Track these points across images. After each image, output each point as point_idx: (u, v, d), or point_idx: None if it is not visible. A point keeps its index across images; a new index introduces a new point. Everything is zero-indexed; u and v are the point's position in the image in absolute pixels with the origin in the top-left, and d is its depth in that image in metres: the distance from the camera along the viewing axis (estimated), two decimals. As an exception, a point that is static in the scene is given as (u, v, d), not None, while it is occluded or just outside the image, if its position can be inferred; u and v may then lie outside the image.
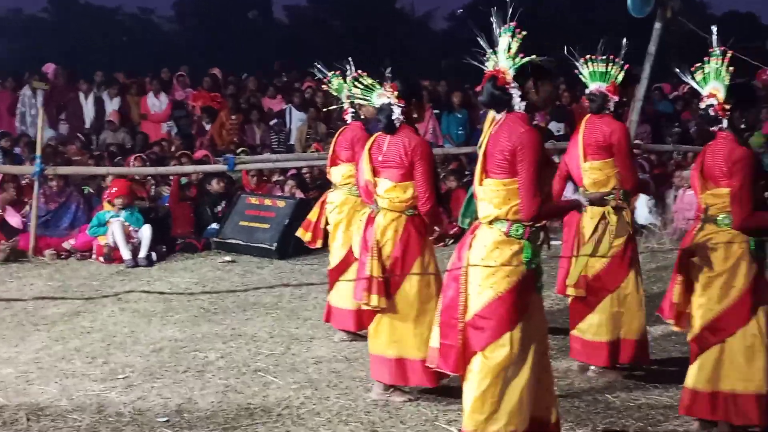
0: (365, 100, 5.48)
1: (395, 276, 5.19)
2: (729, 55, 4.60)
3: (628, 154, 5.63)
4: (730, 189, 4.61)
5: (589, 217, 5.66)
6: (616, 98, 5.69)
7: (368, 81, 5.50)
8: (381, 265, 5.21)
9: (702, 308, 4.71)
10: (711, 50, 4.63)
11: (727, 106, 4.62)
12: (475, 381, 4.08)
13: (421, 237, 5.23)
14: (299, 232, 7.17)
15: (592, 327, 5.67)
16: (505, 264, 4.03)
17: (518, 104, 4.06)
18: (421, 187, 5.14)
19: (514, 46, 3.99)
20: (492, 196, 4.08)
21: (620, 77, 5.67)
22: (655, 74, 11.22)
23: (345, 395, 5.47)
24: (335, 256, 6.65)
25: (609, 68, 5.68)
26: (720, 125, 4.68)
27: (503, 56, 4.03)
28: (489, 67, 4.09)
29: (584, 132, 5.72)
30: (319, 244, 7.00)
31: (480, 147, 4.17)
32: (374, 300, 5.18)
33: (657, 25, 10.50)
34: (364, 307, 5.36)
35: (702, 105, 4.73)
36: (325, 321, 6.76)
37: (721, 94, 4.63)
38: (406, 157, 5.13)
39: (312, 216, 7.03)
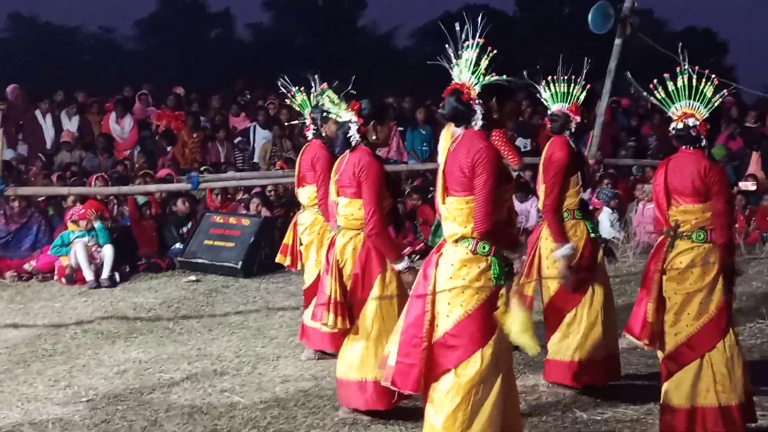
0: (335, 113, 5.45)
1: (357, 297, 5.14)
2: (700, 73, 4.64)
3: (555, 175, 5.54)
4: (711, 206, 4.63)
5: (545, 237, 5.67)
6: (578, 119, 5.72)
7: (333, 96, 5.48)
8: (341, 286, 5.17)
9: (678, 326, 4.72)
10: (679, 68, 4.67)
11: (707, 126, 4.68)
12: (445, 400, 4.06)
13: (380, 254, 5.17)
14: (278, 258, 7.11)
15: (553, 345, 5.70)
16: (473, 281, 4.03)
17: (479, 121, 4.07)
18: (366, 206, 5.05)
19: (483, 63, 4.01)
20: (455, 214, 4.08)
21: (582, 97, 5.71)
22: (616, 89, 11.38)
23: (313, 414, 5.44)
24: (309, 276, 6.63)
25: (571, 88, 5.72)
26: (698, 144, 4.72)
27: (466, 70, 4.05)
28: (455, 78, 4.10)
29: (544, 153, 5.74)
30: (299, 266, 6.95)
31: (440, 165, 4.17)
32: (331, 320, 5.11)
33: (617, 41, 10.64)
34: (324, 329, 5.32)
35: (678, 124, 4.73)
36: (299, 340, 6.71)
37: (701, 114, 4.68)
38: (355, 177, 5.11)
39: (287, 239, 6.99)
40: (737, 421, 4.70)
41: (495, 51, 4.02)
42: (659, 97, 4.76)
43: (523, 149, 13.95)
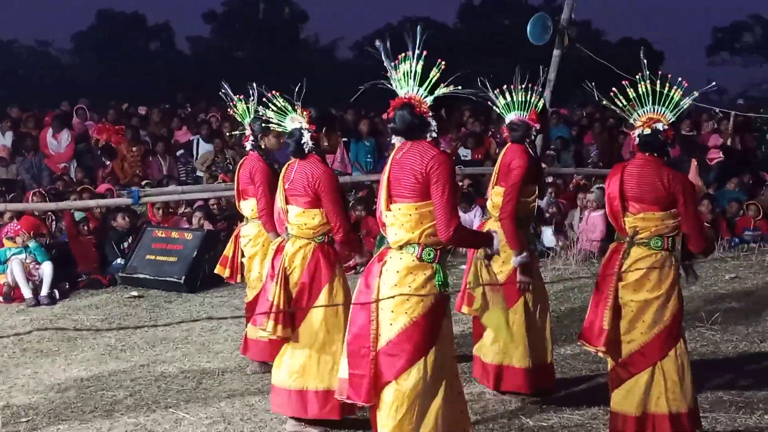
0: (278, 124, 5.43)
1: (302, 304, 5.12)
2: (664, 78, 4.68)
3: (515, 183, 5.58)
4: (681, 214, 4.66)
5: None
6: (537, 126, 5.76)
7: (281, 103, 5.45)
8: (287, 293, 5.15)
9: (633, 333, 4.74)
10: (640, 75, 4.69)
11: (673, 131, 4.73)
12: (390, 410, 4.05)
13: (329, 264, 5.18)
14: (218, 269, 7.03)
15: (484, 347, 5.73)
16: (418, 289, 4.04)
17: (430, 135, 4.07)
18: (332, 218, 5.10)
19: (434, 75, 4.02)
20: (403, 220, 4.08)
21: (540, 105, 5.76)
22: (555, 99, 11.55)
23: (259, 428, 5.38)
24: (252, 290, 6.58)
25: (529, 97, 5.77)
26: (664, 149, 4.76)
27: (412, 82, 4.05)
28: (400, 93, 4.11)
29: (501, 158, 5.80)
30: (239, 279, 6.89)
31: (384, 174, 4.17)
32: (270, 327, 5.09)
33: (556, 52, 10.81)
34: (261, 335, 5.29)
35: (645, 130, 4.71)
36: (242, 353, 6.66)
37: (667, 119, 4.71)
38: (310, 187, 5.11)
39: (227, 251, 6.91)
40: (687, 428, 4.75)
41: (444, 64, 4.03)
42: (621, 105, 4.76)
43: (462, 158, 14.08)
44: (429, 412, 4.05)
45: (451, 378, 4.18)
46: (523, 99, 5.74)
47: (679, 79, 4.73)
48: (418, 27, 4.00)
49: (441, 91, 4.04)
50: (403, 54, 4.04)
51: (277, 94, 5.47)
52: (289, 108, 5.35)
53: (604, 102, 4.83)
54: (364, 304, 4.13)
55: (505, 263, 5.63)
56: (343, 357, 4.24)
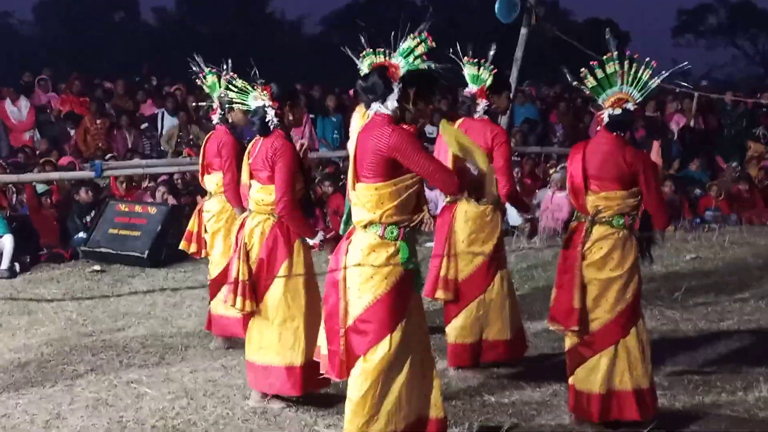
0: (241, 103, 5.39)
1: (261, 280, 5.12)
2: (631, 58, 4.69)
3: (508, 159, 5.66)
4: (643, 192, 4.70)
5: (463, 221, 5.74)
6: (484, 101, 5.77)
7: (241, 83, 5.42)
8: (248, 268, 5.14)
9: (597, 312, 4.77)
10: (608, 55, 4.68)
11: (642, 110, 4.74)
12: (356, 384, 4.08)
13: (287, 241, 5.15)
14: (182, 245, 6.94)
15: (455, 329, 5.77)
16: (381, 266, 4.04)
17: (391, 102, 4.05)
18: (277, 189, 5.04)
19: (418, 50, 4.04)
20: (365, 200, 4.08)
21: (489, 82, 5.77)
22: (522, 78, 11.58)
23: (222, 404, 5.37)
24: (215, 266, 6.53)
25: (479, 72, 5.78)
26: (629, 129, 4.78)
27: (401, 54, 4.06)
28: (364, 67, 4.11)
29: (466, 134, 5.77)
30: (204, 254, 6.83)
31: (351, 150, 4.17)
32: (239, 303, 5.09)
33: (523, 31, 10.81)
34: (232, 312, 5.29)
35: (615, 110, 4.72)
36: (206, 329, 6.63)
37: (634, 99, 4.73)
38: (269, 161, 5.09)
39: (192, 226, 6.84)
40: (650, 404, 4.83)
41: (434, 44, 4.07)
42: (590, 85, 4.76)
43: (428, 135, 14.07)
44: (392, 388, 4.08)
45: (423, 353, 4.21)
46: (476, 73, 5.75)
47: (647, 59, 4.75)
48: (430, 10, 4.05)
49: (416, 64, 4.05)
50: (412, 35, 4.07)
51: (235, 75, 5.47)
52: (250, 87, 5.32)
53: (575, 83, 4.83)
54: (334, 281, 4.16)
55: (485, 243, 5.68)
56: (321, 333, 4.26)
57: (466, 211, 5.75)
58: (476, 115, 5.79)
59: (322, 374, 4.28)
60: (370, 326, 4.06)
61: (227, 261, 6.23)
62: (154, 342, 6.74)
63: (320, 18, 34.94)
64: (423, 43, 4.06)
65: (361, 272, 4.06)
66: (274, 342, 5.14)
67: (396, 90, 4.06)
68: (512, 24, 10.74)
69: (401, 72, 4.07)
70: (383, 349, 4.05)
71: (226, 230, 6.44)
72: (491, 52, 5.81)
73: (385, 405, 4.08)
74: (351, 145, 4.17)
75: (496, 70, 5.78)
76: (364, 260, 4.06)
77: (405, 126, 4.05)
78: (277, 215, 5.11)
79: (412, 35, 4.07)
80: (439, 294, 5.80)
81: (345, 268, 4.12)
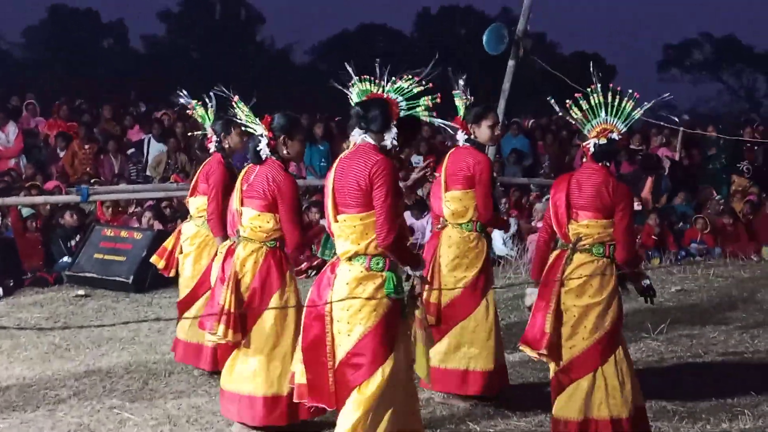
0: (248, 126, 5.38)
1: (252, 310, 5.09)
2: (615, 90, 4.77)
3: (488, 187, 5.71)
4: (616, 223, 4.75)
5: (447, 246, 5.76)
6: (462, 132, 5.80)
7: (245, 109, 5.43)
8: (237, 298, 5.10)
9: (574, 339, 4.79)
10: (591, 87, 4.77)
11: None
12: (348, 414, 4.06)
13: (280, 270, 5.15)
14: (153, 259, 6.97)
15: (439, 354, 5.73)
16: (370, 299, 4.05)
17: (389, 141, 4.10)
18: (286, 225, 5.07)
19: (424, 103, 4.10)
20: (348, 232, 4.08)
21: (462, 112, 5.82)
22: (510, 109, 11.66)
23: (205, 430, 5.34)
24: (184, 288, 6.54)
25: (460, 103, 5.83)
26: (615, 159, 4.83)
27: (397, 92, 4.11)
28: (354, 95, 4.13)
29: (447, 163, 5.83)
30: (173, 273, 6.83)
31: (329, 180, 4.15)
32: (221, 331, 5.04)
33: (510, 63, 10.91)
34: (210, 339, 5.24)
35: (601, 140, 4.78)
36: (171, 350, 6.60)
37: (619, 129, 4.80)
38: (269, 191, 5.09)
39: (168, 243, 6.86)
40: None
41: (439, 98, 4.12)
42: (576, 116, 4.83)
43: (415, 165, 14.13)
44: (384, 416, 4.07)
45: (407, 380, 4.21)
46: (457, 104, 5.81)
47: (630, 90, 4.82)
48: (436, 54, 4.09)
49: (418, 111, 4.11)
50: (410, 77, 4.11)
51: (237, 99, 5.48)
52: (251, 115, 5.33)
53: (560, 113, 4.89)
54: (319, 314, 4.15)
55: (468, 269, 5.68)
56: (297, 363, 4.24)
57: (450, 236, 5.78)
58: (459, 144, 5.85)
59: (308, 404, 4.25)
60: (363, 359, 4.06)
61: (194, 285, 6.26)
62: (137, 368, 6.69)
63: (309, 47, 35.17)
64: (430, 96, 4.11)
65: (350, 305, 4.06)
66: (261, 372, 5.10)
67: (394, 130, 4.10)
68: (500, 56, 10.85)
69: (401, 113, 4.11)
70: (376, 379, 4.04)
71: (196, 254, 6.48)
72: (461, 81, 5.84)
73: None
74: (329, 177, 4.16)
75: (468, 101, 5.83)
76: (351, 293, 4.06)
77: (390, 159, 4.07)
78: (288, 249, 5.16)
79: (408, 76, 4.10)
80: None
81: (331, 302, 4.11)
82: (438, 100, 4.13)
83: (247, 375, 5.14)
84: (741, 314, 8.43)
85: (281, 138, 5.17)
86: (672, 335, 7.61)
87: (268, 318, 5.11)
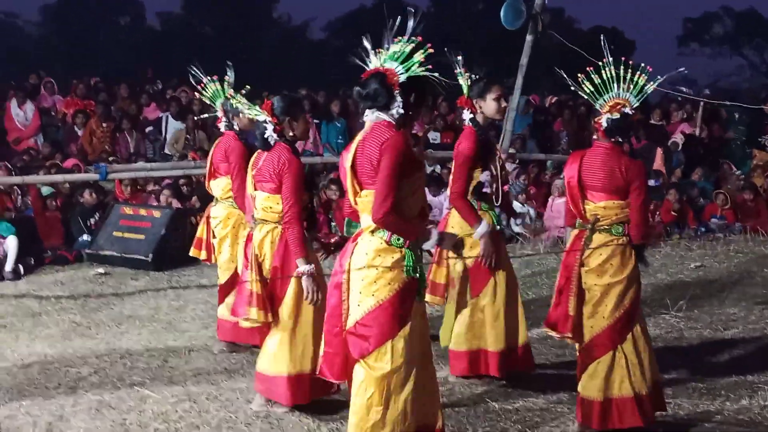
0: (255, 113, 5.36)
1: (278, 287, 5.11)
2: (627, 64, 4.69)
3: (460, 167, 5.56)
4: (631, 202, 4.71)
5: (451, 226, 5.70)
6: (467, 111, 5.72)
7: (243, 101, 5.42)
8: (262, 280, 5.13)
9: (595, 318, 4.78)
10: (603, 61, 4.71)
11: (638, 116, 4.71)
12: (360, 390, 4.06)
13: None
14: (193, 252, 6.92)
15: (453, 336, 5.70)
16: (386, 271, 4.02)
17: (396, 110, 4.03)
18: (285, 202, 5.06)
19: (417, 57, 3.98)
20: (370, 206, 4.06)
21: (465, 89, 5.72)
22: (527, 86, 11.57)
23: (225, 408, 5.37)
24: (223, 271, 6.52)
25: (463, 82, 5.73)
26: (628, 135, 4.76)
27: (393, 60, 4.02)
28: (371, 65, 4.08)
29: (456, 143, 5.79)
30: (214, 260, 6.81)
31: (346, 160, 4.12)
32: (253, 314, 5.08)
33: (528, 38, 10.82)
34: (245, 324, 5.27)
35: (613, 115, 4.71)
36: (218, 336, 6.60)
37: (631, 104, 4.73)
38: (276, 174, 5.10)
39: (200, 233, 6.83)
40: (649, 410, 4.83)
41: (432, 49, 4.00)
42: (588, 91, 4.77)
43: (432, 142, 14.08)
44: (399, 395, 4.05)
45: (424, 361, 4.18)
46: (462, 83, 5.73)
47: (641, 64, 4.76)
48: (413, 12, 3.99)
49: (416, 70, 4.00)
50: (399, 38, 4.01)
51: (232, 94, 5.53)
52: (252, 105, 5.32)
53: (572, 87, 4.84)
54: (337, 283, 4.14)
55: (473, 248, 5.62)
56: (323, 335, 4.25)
57: (454, 216, 5.74)
58: (465, 124, 5.78)
59: (324, 378, 4.27)
60: (371, 330, 4.02)
61: (235, 266, 6.24)
62: (157, 345, 6.74)
63: (326, 23, 35.03)
64: (421, 49, 4.02)
65: (365, 275, 4.04)
66: (284, 350, 5.14)
67: (399, 98, 4.04)
68: (518, 31, 10.76)
69: (401, 78, 4.03)
70: (386, 355, 4.02)
71: (233, 236, 6.43)
72: (459, 58, 5.75)
73: (390, 413, 4.05)
74: (348, 155, 4.13)
75: (471, 77, 5.74)
76: (369, 263, 4.05)
77: (405, 136, 4.03)
78: (283, 225, 5.11)
79: (401, 39, 4.03)
80: (428, 298, 5.76)
81: (349, 270, 4.11)
82: (430, 50, 4.03)
83: (273, 354, 5.18)
84: (761, 290, 8.39)
85: (286, 120, 5.18)
86: (691, 311, 7.58)
87: (289, 297, 5.13)
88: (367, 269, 4.04)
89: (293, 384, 5.14)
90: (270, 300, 5.13)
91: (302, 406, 5.22)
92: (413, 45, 3.99)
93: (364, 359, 4.03)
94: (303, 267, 5.01)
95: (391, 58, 4.04)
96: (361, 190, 4.09)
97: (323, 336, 4.21)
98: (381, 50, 4.07)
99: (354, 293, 4.08)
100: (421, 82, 4.07)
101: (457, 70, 5.72)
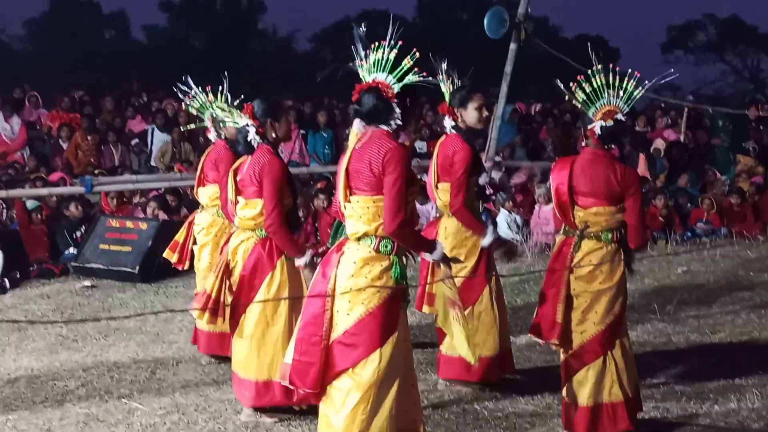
0: (233, 122, 5.38)
1: (241, 297, 5.11)
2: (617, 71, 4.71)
3: (460, 178, 5.51)
4: (627, 207, 4.71)
5: (443, 237, 5.69)
6: (449, 119, 5.69)
7: (225, 106, 5.44)
8: (227, 285, 5.14)
9: (585, 324, 4.77)
10: (592, 69, 4.72)
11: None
12: (345, 399, 4.04)
13: (270, 258, 5.13)
14: (166, 254, 6.95)
15: (445, 343, 5.71)
16: (375, 280, 4.03)
17: (395, 121, 4.07)
18: (266, 205, 5.05)
19: (405, 64, 4.01)
20: (361, 212, 4.07)
21: (448, 98, 5.69)
22: (513, 94, 11.61)
23: (214, 419, 5.35)
24: (201, 279, 6.52)
25: (445, 89, 5.71)
26: (620, 141, 4.77)
27: (380, 71, 4.04)
28: (367, 79, 4.10)
29: (437, 153, 5.70)
30: (186, 265, 6.83)
31: (342, 164, 4.14)
32: (206, 318, 5.16)
33: (512, 46, 10.85)
34: (201, 327, 5.30)
35: (607, 122, 4.71)
36: (192, 343, 6.61)
37: (622, 110, 4.74)
38: (256, 176, 5.09)
39: (179, 237, 6.84)
40: (635, 412, 4.86)
41: (417, 54, 4.02)
42: (580, 98, 4.76)
43: (418, 151, 14.10)
44: (384, 403, 4.05)
45: (407, 369, 4.19)
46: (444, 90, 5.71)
47: (629, 69, 4.78)
48: (391, 18, 4.00)
49: (409, 79, 4.03)
50: (377, 42, 4.04)
51: (211, 101, 5.76)
52: (233, 109, 5.34)
53: (567, 97, 4.84)
54: (320, 292, 4.12)
55: (468, 258, 5.62)
56: (291, 342, 4.22)
57: (446, 227, 5.70)
58: (447, 131, 5.75)
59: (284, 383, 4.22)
60: (360, 339, 4.02)
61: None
62: (145, 358, 6.71)
63: (312, 34, 35.09)
64: (408, 56, 4.04)
65: (354, 284, 4.04)
66: (252, 358, 5.14)
67: (396, 110, 4.06)
68: (501, 40, 10.80)
69: (394, 90, 4.05)
70: (373, 363, 4.01)
71: (214, 244, 6.43)
72: (443, 65, 5.70)
73: (376, 421, 4.04)
74: (343, 161, 4.15)
75: (452, 84, 5.72)
76: (357, 273, 4.05)
77: (404, 145, 4.07)
78: (264, 230, 5.10)
79: (377, 44, 4.04)
80: (425, 309, 5.77)
81: (335, 279, 4.10)
82: (417, 55, 4.04)
83: (241, 360, 5.19)
84: (748, 294, 8.41)
85: (268, 122, 5.18)
86: (679, 316, 7.61)
87: (256, 306, 5.12)
88: (355, 278, 4.04)
89: (261, 390, 5.14)
90: (233, 308, 5.11)
91: (292, 415, 5.20)
92: (395, 51, 4.01)
93: (353, 367, 4.02)
94: (301, 260, 5.01)
95: (376, 67, 4.06)
96: (351, 195, 4.10)
97: (293, 344, 4.17)
98: (362, 61, 4.08)
99: (342, 302, 4.07)
100: (413, 89, 4.10)
101: (440, 77, 5.71)
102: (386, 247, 4.06)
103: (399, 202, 3.98)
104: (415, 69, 4.03)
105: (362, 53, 4.08)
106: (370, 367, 4.01)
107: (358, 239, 4.09)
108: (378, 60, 4.05)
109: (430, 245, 4.24)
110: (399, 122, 4.07)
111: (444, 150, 5.65)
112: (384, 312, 4.04)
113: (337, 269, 4.11)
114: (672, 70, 5.14)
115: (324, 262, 4.23)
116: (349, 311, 4.05)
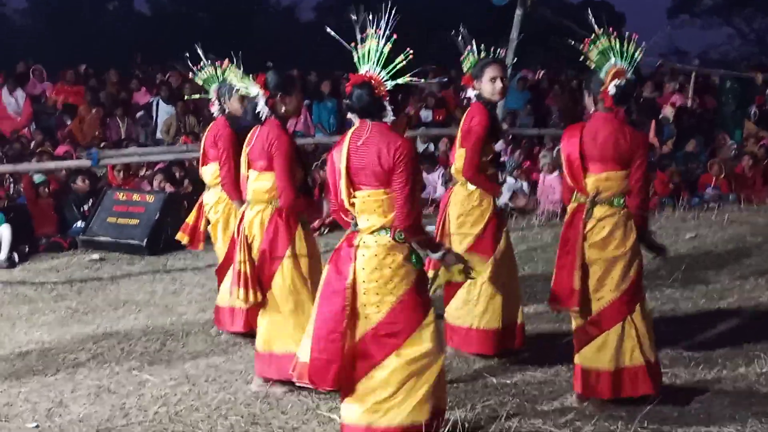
0: (244, 89, 5.34)
1: (265, 270, 5.09)
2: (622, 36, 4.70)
3: (473, 145, 5.56)
4: (632, 171, 4.70)
5: (453, 204, 5.71)
6: (470, 89, 5.71)
7: (237, 72, 5.39)
8: (250, 260, 5.12)
9: (602, 291, 4.78)
10: (600, 31, 4.70)
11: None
12: (391, 378, 4.10)
13: (288, 228, 5.12)
14: (178, 236, 6.91)
15: (450, 311, 5.76)
16: (399, 267, 4.11)
17: (389, 117, 4.12)
18: (278, 181, 5.04)
19: (399, 63, 4.03)
20: (375, 206, 4.10)
21: (467, 68, 5.73)
22: (521, 61, 11.54)
23: (224, 389, 5.38)
24: (220, 255, 6.50)
25: (472, 59, 5.74)
26: (630, 102, 4.75)
27: (374, 63, 4.05)
28: (360, 70, 4.09)
29: (462, 121, 5.75)
30: (200, 247, 6.80)
31: (339, 163, 4.14)
32: (242, 294, 5.07)
33: (518, 12, 10.78)
34: (237, 304, 5.28)
35: (621, 81, 4.67)
36: (215, 323, 6.59)
37: (630, 73, 4.72)
38: (266, 150, 5.07)
39: (190, 219, 6.80)
40: (659, 376, 4.88)
41: (412, 52, 4.03)
42: (595, 57, 4.73)
43: (423, 120, 14.05)
44: (428, 379, 4.14)
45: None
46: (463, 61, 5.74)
47: (627, 33, 4.75)
48: (389, 5, 3.98)
49: (404, 80, 4.06)
50: (372, 30, 4.01)
51: (228, 65, 5.63)
52: (246, 77, 5.30)
53: (581, 58, 4.81)
54: (336, 289, 4.16)
55: (473, 226, 5.64)
56: (305, 340, 4.24)
57: (456, 193, 5.75)
58: (472, 100, 5.77)
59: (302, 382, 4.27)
60: (397, 326, 4.10)
61: (226, 250, 6.23)
62: (154, 329, 6.74)
63: (315, 3, 34.82)
64: (402, 54, 4.05)
65: (379, 276, 4.10)
66: (288, 330, 5.12)
67: (388, 107, 4.11)
68: (507, 6, 10.73)
69: (387, 86, 4.08)
70: (418, 341, 4.11)
71: (224, 221, 6.41)
72: (460, 39, 5.74)
73: (425, 396, 4.14)
74: (341, 155, 4.13)
75: (472, 54, 5.73)
76: (381, 264, 4.10)
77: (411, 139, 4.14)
78: (282, 207, 5.08)
79: (370, 33, 4.02)
80: (430, 274, 5.77)
81: (354, 274, 4.13)
82: (411, 56, 4.06)
83: (274, 335, 5.17)
84: (756, 259, 8.41)
85: (278, 95, 5.15)
86: (687, 282, 7.61)
87: (281, 278, 5.10)
88: (379, 270, 4.10)
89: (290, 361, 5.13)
90: (259, 281, 5.10)
91: (301, 385, 5.21)
92: (390, 45, 4.00)
93: (396, 351, 4.10)
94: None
95: (367, 56, 4.06)
96: (356, 190, 4.12)
97: (308, 341, 4.20)
98: (359, 44, 4.07)
99: (369, 296, 4.12)
100: (402, 89, 4.14)
101: (464, 55, 5.71)
102: (401, 236, 4.13)
103: (411, 200, 4.07)
104: (410, 57, 4.04)
105: (358, 36, 4.08)
106: (416, 345, 4.11)
107: (373, 232, 4.13)
108: (371, 50, 4.05)
109: (435, 246, 4.40)
110: (392, 118, 4.11)
111: (467, 118, 5.70)
112: (414, 295, 4.14)
113: (356, 263, 4.14)
114: (676, 37, 5.14)
115: (336, 258, 4.24)
116: (379, 303, 4.11)
